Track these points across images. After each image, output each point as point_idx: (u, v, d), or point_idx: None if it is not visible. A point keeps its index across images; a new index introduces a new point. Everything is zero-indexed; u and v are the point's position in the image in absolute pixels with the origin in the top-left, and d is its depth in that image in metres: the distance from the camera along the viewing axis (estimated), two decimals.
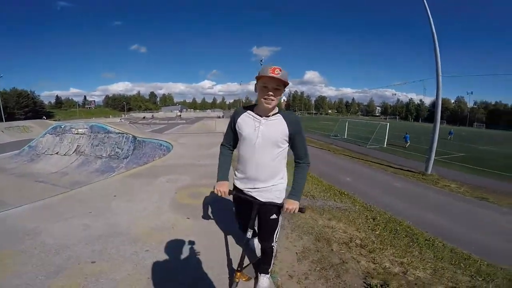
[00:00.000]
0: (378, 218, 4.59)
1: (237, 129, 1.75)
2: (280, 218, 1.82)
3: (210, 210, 3.43)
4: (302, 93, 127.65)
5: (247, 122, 1.70)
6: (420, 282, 2.46)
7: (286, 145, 1.70)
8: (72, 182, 9.50)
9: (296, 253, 2.76)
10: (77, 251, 2.42)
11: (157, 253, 2.42)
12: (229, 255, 2.41)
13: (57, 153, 13.17)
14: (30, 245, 2.47)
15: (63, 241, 2.59)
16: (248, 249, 1.91)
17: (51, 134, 14.28)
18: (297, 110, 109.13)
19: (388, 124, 22.45)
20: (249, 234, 1.71)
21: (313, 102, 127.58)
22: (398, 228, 4.18)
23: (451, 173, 11.26)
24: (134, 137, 11.69)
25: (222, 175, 1.83)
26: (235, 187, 1.84)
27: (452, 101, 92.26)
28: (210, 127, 21.08)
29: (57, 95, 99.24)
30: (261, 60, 29.61)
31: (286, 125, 1.64)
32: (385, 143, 20.37)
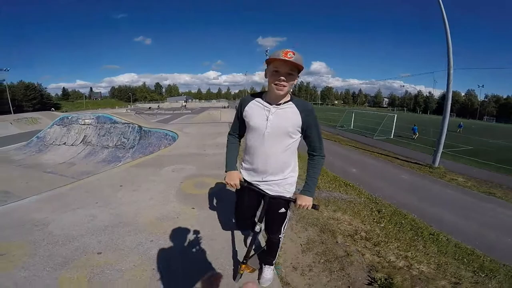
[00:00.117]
0: (384, 210, 4.56)
1: (244, 118, 1.63)
2: (289, 211, 1.75)
3: (215, 200, 3.44)
4: (308, 83, 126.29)
5: (255, 110, 1.57)
6: (423, 277, 2.45)
7: (298, 136, 1.58)
8: (79, 172, 9.67)
9: (301, 244, 2.75)
10: (83, 242, 2.45)
11: (162, 243, 2.44)
12: (234, 246, 2.42)
13: (64, 143, 13.37)
14: (38, 236, 2.51)
15: (70, 231, 2.62)
16: (255, 241, 1.88)
17: (59, 125, 14.48)
18: None
19: (395, 115, 22.11)
20: (258, 228, 1.68)
21: (319, 92, 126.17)
22: (403, 221, 4.15)
23: (459, 167, 11.09)
24: (140, 127, 11.77)
25: (231, 165, 1.72)
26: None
27: (463, 94, 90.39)
28: (215, 117, 21.12)
29: (63, 87, 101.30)
30: (266, 51, 29.18)
31: (299, 114, 1.50)
32: (392, 134, 20.12)
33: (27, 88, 64.31)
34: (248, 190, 1.69)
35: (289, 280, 2.19)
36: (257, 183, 1.66)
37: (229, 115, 20.74)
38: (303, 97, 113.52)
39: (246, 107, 1.61)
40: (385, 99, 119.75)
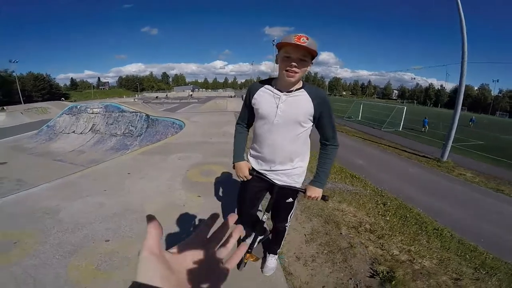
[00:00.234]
0: (389, 203, 4.54)
1: (253, 106, 1.56)
2: (296, 200, 1.73)
3: (221, 189, 3.47)
4: (316, 73, 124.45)
5: (264, 98, 1.50)
6: (425, 272, 2.45)
7: (309, 125, 1.51)
8: (88, 160, 9.85)
9: (305, 235, 2.78)
10: (92, 229, 2.52)
11: (168, 230, 2.48)
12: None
13: (73, 131, 13.59)
14: (49, 224, 2.58)
15: (79, 219, 2.69)
16: (260, 231, 1.88)
17: (68, 114, 14.70)
18: None
19: (405, 107, 21.64)
20: (265, 217, 1.69)
21: (327, 83, 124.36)
22: (408, 215, 4.13)
23: (467, 162, 10.87)
24: (147, 116, 11.88)
25: (238, 155, 1.67)
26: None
27: (476, 88, 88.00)
28: (222, 106, 21.09)
29: (72, 78, 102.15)
30: (273, 40, 28.74)
31: (311, 101, 1.43)
32: (401, 126, 19.78)
33: (36, 79, 65.25)
34: (256, 179, 1.64)
35: (292, 270, 2.22)
36: (265, 172, 1.62)
37: (236, 105, 20.68)
38: None
39: (255, 95, 1.54)
40: (395, 91, 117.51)
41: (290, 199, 1.68)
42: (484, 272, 2.79)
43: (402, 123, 20.05)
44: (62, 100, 42.50)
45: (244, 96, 1.67)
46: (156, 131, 10.70)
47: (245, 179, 1.63)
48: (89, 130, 13.35)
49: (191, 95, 65.54)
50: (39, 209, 2.91)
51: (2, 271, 1.94)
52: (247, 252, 1.76)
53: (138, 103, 21.23)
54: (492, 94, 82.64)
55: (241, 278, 1.93)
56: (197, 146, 6.07)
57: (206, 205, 3.03)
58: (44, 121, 17.96)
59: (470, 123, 26.28)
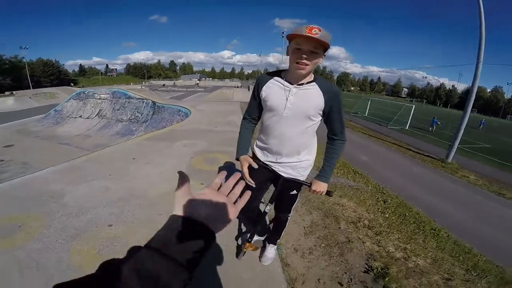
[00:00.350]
0: (389, 201, 4.56)
1: (261, 98, 1.51)
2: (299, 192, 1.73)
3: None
4: (324, 68, 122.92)
5: (274, 90, 1.45)
6: (418, 270, 2.48)
7: (318, 119, 1.47)
8: (94, 144, 9.99)
9: (304, 227, 2.81)
10: (96, 214, 2.55)
11: None
12: (241, 225, 2.49)
13: (80, 116, 13.76)
14: (53, 208, 2.62)
15: (84, 203, 2.73)
16: (262, 222, 1.90)
17: (75, 99, 14.88)
18: None
19: (413, 106, 21.32)
20: (268, 208, 1.70)
21: (335, 78, 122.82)
22: (407, 214, 4.16)
23: (472, 164, 10.76)
24: (154, 103, 11.96)
25: (243, 149, 1.62)
26: (254, 156, 1.68)
27: (488, 90, 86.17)
28: (228, 96, 21.12)
29: (80, 64, 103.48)
30: (283, 32, 28.33)
31: (322, 96, 1.39)
32: (408, 125, 19.56)
33: (45, 65, 66.18)
34: (261, 170, 1.60)
35: (289, 261, 2.26)
36: (271, 163, 1.60)
37: (242, 95, 20.63)
38: None
39: (264, 87, 1.49)
40: (405, 89, 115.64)
41: (294, 191, 1.67)
42: (475, 274, 2.82)
43: (409, 122, 19.82)
44: (71, 86, 42.96)
45: (250, 86, 1.64)
46: (162, 118, 10.79)
47: (247, 173, 1.58)
48: (96, 115, 13.50)
49: (198, 83, 65.45)
50: (44, 192, 2.93)
51: (6, 255, 1.95)
52: (247, 241, 1.78)
53: (145, 90, 21.34)
54: (505, 97, 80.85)
55: (239, 266, 1.98)
56: (202, 134, 6.12)
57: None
58: (51, 105, 18.17)
59: (480, 125, 25.86)
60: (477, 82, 9.62)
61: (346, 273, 2.21)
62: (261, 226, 1.97)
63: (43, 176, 3.43)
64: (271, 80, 1.48)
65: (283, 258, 2.27)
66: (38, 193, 2.93)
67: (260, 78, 1.53)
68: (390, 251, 2.70)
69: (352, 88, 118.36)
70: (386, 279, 2.15)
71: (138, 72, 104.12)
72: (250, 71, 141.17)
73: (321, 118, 1.48)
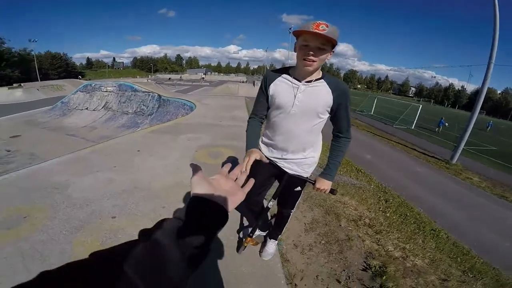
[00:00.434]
0: (391, 200, 4.56)
1: (269, 95, 1.49)
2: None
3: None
4: (331, 65, 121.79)
5: (281, 87, 1.44)
6: (416, 270, 2.50)
7: (326, 116, 1.47)
8: (99, 136, 10.11)
9: (305, 223, 2.83)
10: (100, 205, 2.58)
11: (173, 210, 2.55)
12: (243, 219, 2.52)
13: (87, 108, 13.91)
14: (58, 199, 2.64)
15: (88, 194, 2.76)
16: (264, 217, 1.91)
17: (82, 92, 15.03)
18: None
19: (420, 106, 21.06)
20: (271, 204, 1.71)
21: (342, 75, 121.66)
22: (408, 214, 4.16)
23: (477, 166, 10.65)
24: (159, 96, 12.04)
25: (251, 143, 1.55)
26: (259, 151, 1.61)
27: (499, 92, 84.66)
28: (233, 90, 21.13)
29: (88, 57, 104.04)
30: (290, 28, 28.05)
31: (330, 93, 1.38)
32: (414, 125, 19.36)
33: (53, 58, 67.12)
34: (266, 166, 1.59)
35: (289, 257, 2.28)
36: (276, 159, 1.60)
37: (247, 90, 20.60)
38: None
39: (272, 84, 1.47)
40: (412, 89, 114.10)
41: (299, 188, 1.68)
42: (471, 276, 2.83)
43: (415, 122, 19.62)
44: (79, 78, 43.49)
45: (255, 82, 1.61)
46: (167, 111, 10.86)
47: (251, 163, 1.50)
48: (102, 107, 13.63)
49: (203, 78, 65.44)
50: (49, 183, 2.95)
51: (11, 246, 1.95)
52: (248, 236, 1.79)
53: (151, 83, 21.41)
54: None
55: (240, 260, 2.00)
56: (207, 128, 6.15)
57: None
58: (59, 97, 18.40)
59: (488, 127, 25.48)
60: (487, 83, 9.44)
61: (344, 270, 2.24)
62: (263, 221, 1.99)
63: (49, 167, 3.45)
64: (279, 77, 1.46)
65: (283, 254, 2.29)
66: (44, 184, 2.95)
67: (267, 75, 1.51)
68: (389, 250, 2.72)
69: (359, 86, 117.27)
70: (384, 277, 2.18)
71: (145, 66, 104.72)
72: (256, 66, 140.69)
73: (328, 115, 1.48)
